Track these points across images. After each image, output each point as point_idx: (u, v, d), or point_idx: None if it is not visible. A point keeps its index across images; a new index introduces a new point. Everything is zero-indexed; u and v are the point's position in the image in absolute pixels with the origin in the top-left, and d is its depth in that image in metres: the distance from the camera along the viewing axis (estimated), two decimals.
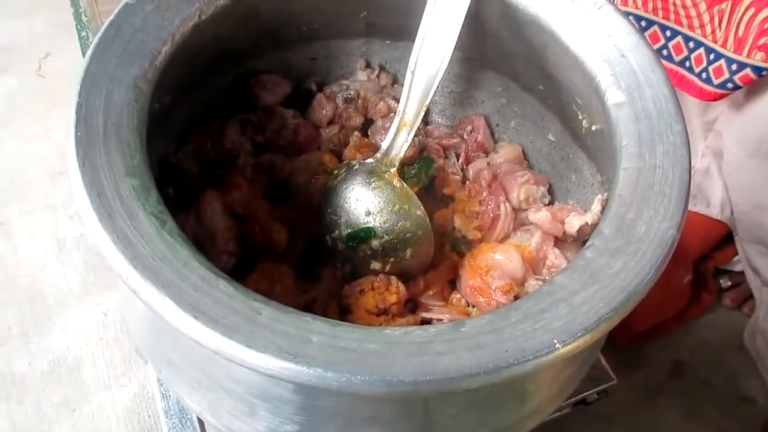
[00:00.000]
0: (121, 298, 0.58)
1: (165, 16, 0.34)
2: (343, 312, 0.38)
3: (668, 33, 0.55)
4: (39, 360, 0.58)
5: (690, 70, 0.55)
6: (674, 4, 0.53)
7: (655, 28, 0.56)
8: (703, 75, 0.53)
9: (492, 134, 0.49)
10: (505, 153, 0.47)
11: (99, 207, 0.25)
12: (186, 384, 0.32)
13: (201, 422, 0.47)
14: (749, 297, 0.67)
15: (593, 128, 0.38)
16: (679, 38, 0.53)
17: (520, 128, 0.48)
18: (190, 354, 0.29)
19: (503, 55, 0.44)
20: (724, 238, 0.67)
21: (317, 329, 0.24)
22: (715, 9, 0.51)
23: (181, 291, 0.24)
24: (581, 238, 0.40)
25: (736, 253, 0.67)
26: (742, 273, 0.66)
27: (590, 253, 0.27)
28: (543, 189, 0.45)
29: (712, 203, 0.64)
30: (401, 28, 0.46)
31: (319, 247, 0.41)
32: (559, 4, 0.37)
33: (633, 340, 0.64)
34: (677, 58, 0.56)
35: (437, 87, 0.41)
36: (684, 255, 0.65)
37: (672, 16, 0.54)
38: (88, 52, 0.31)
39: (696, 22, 0.52)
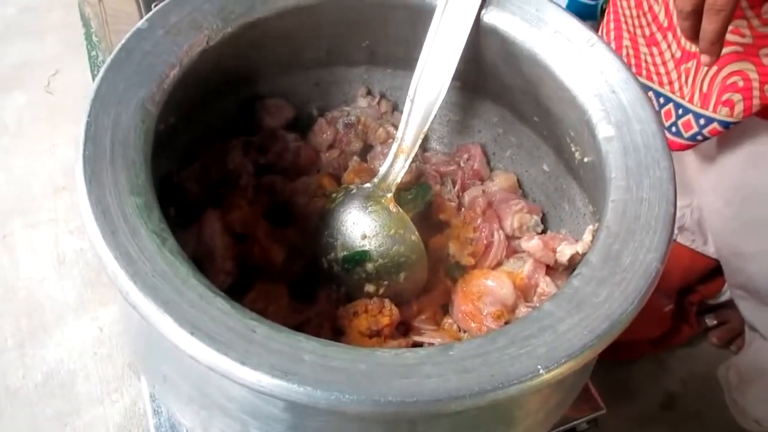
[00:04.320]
0: (118, 313, 0.58)
1: (174, 41, 0.35)
2: (336, 333, 0.39)
3: None
4: (33, 372, 0.59)
5: (659, 118, 0.56)
6: (646, 62, 0.55)
7: (634, 74, 0.58)
8: (673, 129, 0.55)
9: (488, 162, 0.50)
10: (500, 181, 0.48)
11: (103, 224, 0.26)
12: (179, 400, 0.33)
13: None
14: (736, 336, 0.68)
15: (585, 160, 0.39)
16: (650, 93, 0.56)
17: (515, 158, 0.49)
18: (185, 370, 0.30)
19: (500, 86, 0.45)
20: (710, 271, 0.68)
21: (309, 348, 0.25)
22: (682, 67, 0.53)
23: (179, 307, 0.25)
24: (572, 267, 0.41)
25: (722, 287, 0.68)
26: (728, 311, 0.67)
27: (577, 281, 0.28)
28: (536, 218, 0.46)
29: (709, 241, 0.65)
30: (402, 58, 0.47)
31: (316, 269, 0.42)
32: (555, 41, 0.39)
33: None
34: None
35: (435, 115, 0.43)
36: (666, 282, 0.66)
37: (644, 72, 0.56)
38: (99, 74, 0.32)
39: (665, 79, 0.55)
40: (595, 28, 0.83)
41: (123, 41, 0.33)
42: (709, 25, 0.41)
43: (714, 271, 0.66)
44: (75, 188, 0.70)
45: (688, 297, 0.68)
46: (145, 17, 0.35)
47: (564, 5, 0.85)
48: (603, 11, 0.84)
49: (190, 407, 0.31)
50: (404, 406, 0.23)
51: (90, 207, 0.27)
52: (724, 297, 0.67)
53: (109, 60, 0.33)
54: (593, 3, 0.84)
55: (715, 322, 0.68)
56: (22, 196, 0.72)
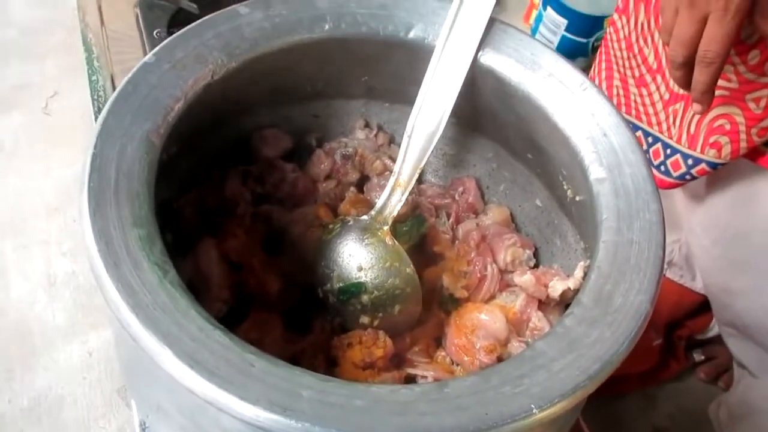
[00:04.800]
0: (113, 339, 0.58)
1: (180, 75, 0.36)
2: (330, 364, 0.39)
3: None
4: (20, 397, 0.58)
5: (649, 162, 0.58)
6: (635, 102, 0.56)
7: (625, 118, 0.60)
8: (662, 168, 0.56)
9: (482, 196, 0.51)
10: (493, 215, 0.49)
11: (106, 255, 0.27)
12: (171, 430, 0.33)
13: None
14: (723, 371, 0.68)
15: (577, 198, 0.40)
16: (639, 133, 0.57)
17: (509, 192, 0.50)
18: (181, 401, 0.30)
19: (495, 124, 0.46)
20: (699, 307, 0.68)
21: (307, 384, 0.25)
22: (670, 108, 0.54)
23: (179, 341, 0.25)
24: (564, 302, 0.42)
25: (710, 323, 0.68)
26: (715, 346, 0.68)
27: (569, 321, 0.29)
28: (529, 252, 0.46)
29: (697, 277, 0.65)
30: (399, 93, 0.48)
31: (311, 299, 0.42)
32: (549, 84, 0.40)
33: None
34: None
35: (431, 151, 0.44)
36: (655, 317, 0.67)
37: (633, 112, 0.57)
38: (106, 107, 0.33)
39: (654, 119, 0.56)
40: (587, 65, 0.85)
41: (130, 75, 0.34)
42: (700, 77, 0.43)
43: (702, 306, 0.67)
44: (68, 210, 0.69)
45: (677, 332, 0.68)
46: (152, 52, 0.36)
47: (556, 42, 0.87)
48: (594, 49, 0.87)
49: None
50: None
51: (94, 238, 0.27)
52: (712, 332, 0.68)
53: (115, 93, 0.33)
54: (585, 41, 0.86)
55: (702, 357, 0.69)
56: (15, 216, 0.71)
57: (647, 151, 0.58)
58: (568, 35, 0.86)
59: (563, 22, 0.85)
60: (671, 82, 0.54)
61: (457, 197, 0.51)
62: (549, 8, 0.86)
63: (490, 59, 0.41)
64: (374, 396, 0.25)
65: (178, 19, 0.73)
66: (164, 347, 0.25)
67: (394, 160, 0.46)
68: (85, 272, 0.66)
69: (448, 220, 0.49)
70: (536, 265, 0.47)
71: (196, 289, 0.40)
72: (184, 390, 0.25)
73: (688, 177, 0.55)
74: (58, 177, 0.75)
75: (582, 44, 0.87)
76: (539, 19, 0.89)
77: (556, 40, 0.87)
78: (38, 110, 0.81)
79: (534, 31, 0.91)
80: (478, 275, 0.44)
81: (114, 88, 0.71)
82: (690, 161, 0.54)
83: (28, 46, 0.86)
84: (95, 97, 0.66)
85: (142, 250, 0.28)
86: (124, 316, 0.26)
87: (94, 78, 0.67)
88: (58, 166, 0.76)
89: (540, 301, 0.42)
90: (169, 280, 0.28)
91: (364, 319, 0.40)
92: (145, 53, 0.73)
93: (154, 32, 0.72)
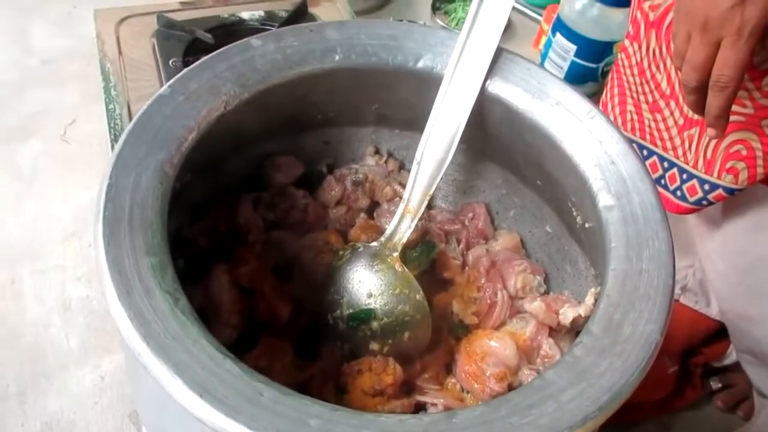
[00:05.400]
0: (125, 365, 0.58)
1: (194, 106, 0.37)
2: (339, 391, 0.39)
3: (645, 152, 0.58)
4: (32, 421, 0.58)
5: (665, 187, 0.58)
6: (650, 127, 0.56)
7: (633, 146, 0.60)
8: (678, 193, 0.56)
9: (492, 222, 0.51)
10: (504, 241, 0.49)
11: (119, 284, 0.27)
12: None
13: None
14: (742, 400, 0.67)
15: (587, 225, 0.40)
16: (654, 158, 0.57)
17: (519, 218, 0.50)
18: (191, 429, 0.30)
19: (504, 150, 0.47)
20: (714, 333, 0.67)
21: (315, 413, 0.25)
22: (685, 134, 0.54)
23: (189, 369, 0.25)
24: (574, 329, 0.41)
25: (727, 349, 0.67)
26: (733, 374, 0.66)
27: (579, 350, 0.29)
28: (539, 278, 0.46)
29: (712, 303, 0.65)
30: (409, 120, 0.49)
31: (320, 325, 0.42)
32: (556, 111, 0.40)
33: None
34: (653, 176, 0.59)
35: (441, 177, 0.44)
36: (669, 344, 0.66)
37: (648, 137, 0.57)
38: (122, 138, 0.34)
39: (669, 144, 0.56)
40: (598, 90, 0.85)
41: (145, 106, 0.35)
42: (714, 101, 0.43)
43: (718, 332, 0.66)
44: (84, 235, 0.70)
45: (692, 359, 0.67)
46: (167, 84, 0.37)
47: (566, 68, 0.88)
48: (604, 74, 0.87)
49: None
50: None
51: (107, 267, 0.28)
52: (729, 359, 0.66)
53: (131, 124, 0.34)
54: (594, 66, 0.87)
55: (719, 385, 0.67)
56: (33, 241, 0.73)
57: (663, 176, 0.58)
58: (578, 60, 0.86)
59: (572, 47, 0.86)
60: (685, 108, 0.54)
61: (466, 223, 0.51)
62: (558, 34, 0.87)
63: (497, 88, 0.42)
64: (382, 426, 0.25)
65: (193, 49, 0.75)
66: (174, 376, 0.25)
67: (404, 187, 0.47)
68: (99, 297, 0.67)
69: (458, 245, 0.50)
70: (546, 292, 0.46)
71: (207, 314, 0.40)
72: (193, 419, 0.25)
73: (704, 202, 0.54)
74: (75, 203, 0.77)
75: (592, 69, 0.87)
76: (549, 44, 0.90)
77: (565, 65, 0.88)
78: (57, 137, 0.83)
79: (543, 56, 0.92)
80: (489, 301, 0.44)
81: (130, 116, 0.72)
82: (707, 186, 0.54)
83: (49, 74, 0.88)
84: (112, 124, 0.68)
85: (154, 278, 0.28)
86: (135, 344, 0.26)
87: (111, 106, 0.69)
88: (75, 192, 0.77)
89: (551, 328, 0.42)
90: (180, 309, 0.28)
91: (374, 346, 0.40)
92: (161, 82, 0.75)
93: (170, 61, 0.74)
